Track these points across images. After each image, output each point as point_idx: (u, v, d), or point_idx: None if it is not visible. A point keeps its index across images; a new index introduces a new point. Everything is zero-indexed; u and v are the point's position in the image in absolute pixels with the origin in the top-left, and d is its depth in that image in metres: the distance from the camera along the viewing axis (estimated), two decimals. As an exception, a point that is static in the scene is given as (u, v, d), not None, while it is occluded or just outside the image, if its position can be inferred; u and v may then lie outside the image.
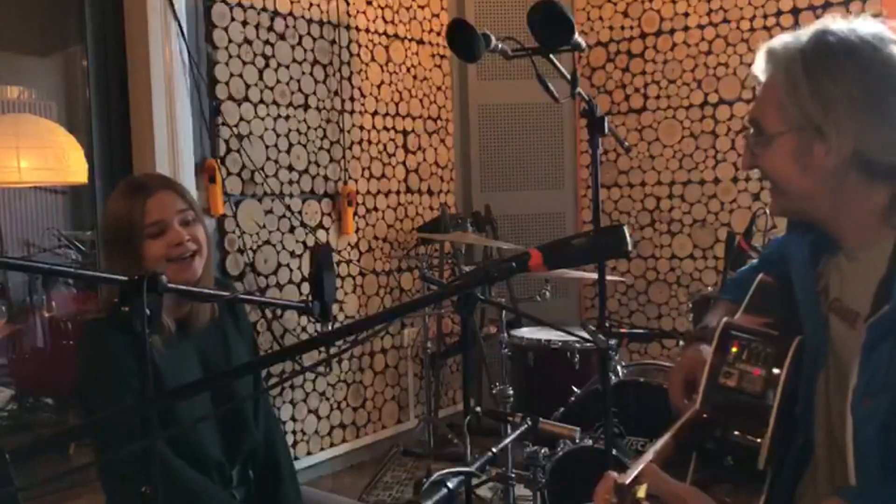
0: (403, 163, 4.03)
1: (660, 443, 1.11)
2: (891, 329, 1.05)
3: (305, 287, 3.49)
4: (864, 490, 1.07)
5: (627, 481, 0.94)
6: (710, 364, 1.21)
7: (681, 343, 3.60)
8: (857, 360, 1.07)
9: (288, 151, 3.44)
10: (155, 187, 1.64)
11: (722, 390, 1.19)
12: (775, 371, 1.16)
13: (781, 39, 1.18)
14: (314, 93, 3.55)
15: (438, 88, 4.24)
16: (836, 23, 1.15)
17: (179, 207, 1.64)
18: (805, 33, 1.16)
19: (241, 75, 3.25)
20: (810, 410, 1.19)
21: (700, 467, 1.17)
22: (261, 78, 3.32)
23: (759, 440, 1.12)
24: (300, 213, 3.49)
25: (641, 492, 0.92)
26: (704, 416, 1.18)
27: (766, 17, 3.81)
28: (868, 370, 1.06)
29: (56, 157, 3.35)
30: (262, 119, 3.33)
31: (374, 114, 3.85)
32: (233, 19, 3.21)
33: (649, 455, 1.06)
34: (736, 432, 1.15)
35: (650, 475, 0.99)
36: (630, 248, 1.05)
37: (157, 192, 1.63)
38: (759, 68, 1.21)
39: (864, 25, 1.13)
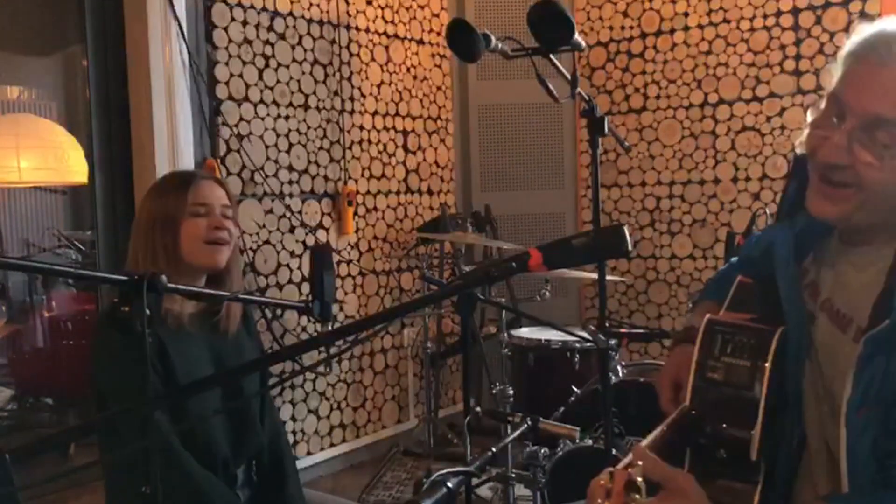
0: (403, 163, 4.02)
1: (650, 437, 1.10)
2: (889, 344, 1.05)
3: (305, 287, 3.49)
4: (850, 499, 1.07)
5: (619, 467, 0.94)
6: (696, 360, 1.21)
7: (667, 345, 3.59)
8: (852, 371, 1.07)
9: (288, 151, 3.44)
10: (203, 176, 1.76)
11: (709, 385, 1.19)
12: (760, 362, 1.17)
13: None
14: (314, 93, 3.55)
15: (438, 88, 4.24)
16: None
17: (224, 201, 1.73)
18: None
19: (241, 75, 3.24)
20: (799, 404, 1.19)
21: (694, 463, 1.17)
22: (261, 78, 3.32)
23: (750, 431, 1.13)
24: (300, 213, 3.49)
25: (638, 473, 0.91)
26: (694, 412, 1.18)
27: (766, 17, 3.81)
28: (863, 382, 1.06)
29: (56, 157, 3.35)
30: (262, 119, 3.33)
31: (374, 114, 3.85)
32: (233, 19, 3.21)
33: (641, 447, 1.06)
34: (726, 425, 1.16)
35: (640, 456, 0.98)
36: (630, 247, 1.05)
37: (206, 180, 1.74)
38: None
39: None
